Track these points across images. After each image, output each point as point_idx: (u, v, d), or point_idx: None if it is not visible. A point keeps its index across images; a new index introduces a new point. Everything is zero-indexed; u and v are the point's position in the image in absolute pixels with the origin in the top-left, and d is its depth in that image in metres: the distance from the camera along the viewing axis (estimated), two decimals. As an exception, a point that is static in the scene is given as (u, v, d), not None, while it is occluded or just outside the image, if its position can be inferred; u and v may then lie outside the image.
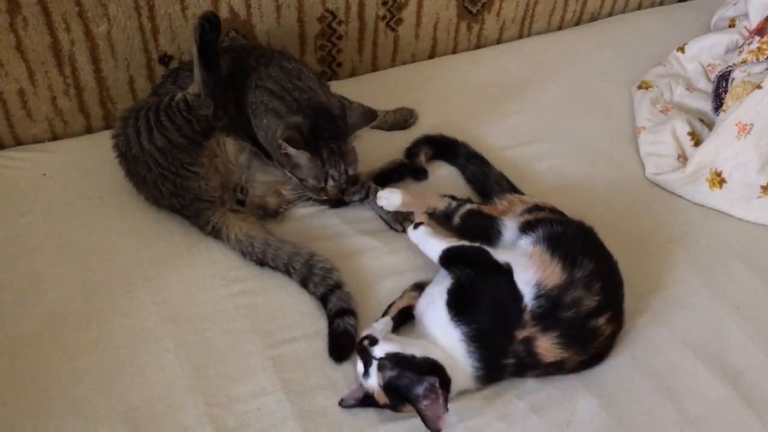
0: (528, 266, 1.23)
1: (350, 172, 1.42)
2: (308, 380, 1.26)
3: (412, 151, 1.65)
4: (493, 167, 1.60)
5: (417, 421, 1.19)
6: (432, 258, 1.32)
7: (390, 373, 1.15)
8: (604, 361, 1.28)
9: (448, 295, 1.24)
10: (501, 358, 1.20)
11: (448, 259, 1.30)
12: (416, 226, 1.37)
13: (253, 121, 1.46)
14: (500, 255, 1.27)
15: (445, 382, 1.16)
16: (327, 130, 1.38)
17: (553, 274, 1.22)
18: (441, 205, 1.47)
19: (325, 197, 1.45)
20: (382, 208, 1.51)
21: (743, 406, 1.26)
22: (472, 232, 1.40)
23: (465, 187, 1.63)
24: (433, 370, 1.15)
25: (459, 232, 1.43)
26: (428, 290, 1.30)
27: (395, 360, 1.16)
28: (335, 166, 1.40)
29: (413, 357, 1.17)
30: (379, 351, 1.18)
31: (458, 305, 1.22)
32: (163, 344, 1.29)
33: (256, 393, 1.24)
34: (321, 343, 1.30)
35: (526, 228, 1.32)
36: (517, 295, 1.21)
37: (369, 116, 1.43)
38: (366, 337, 1.20)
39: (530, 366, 1.22)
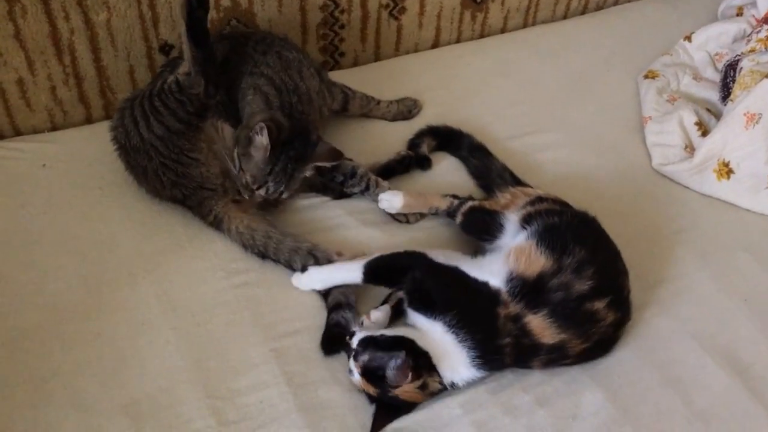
0: (500, 263, 1.23)
1: (283, 195, 1.41)
2: (310, 373, 1.25)
3: (414, 143, 1.64)
4: (495, 160, 1.58)
5: (419, 415, 1.18)
6: (351, 281, 1.30)
7: (363, 358, 1.16)
8: (610, 352, 1.27)
9: (407, 300, 1.24)
10: (495, 339, 1.19)
11: (374, 273, 1.28)
12: (303, 269, 1.34)
13: (240, 103, 1.44)
14: (446, 261, 1.27)
15: (416, 356, 1.15)
16: (296, 150, 1.37)
17: (534, 264, 1.22)
18: (443, 204, 1.46)
19: (241, 190, 1.41)
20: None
21: (751, 398, 1.25)
22: (475, 229, 1.39)
23: (469, 178, 1.61)
24: (400, 344, 1.16)
25: (462, 229, 1.42)
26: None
27: (366, 343, 1.17)
28: (276, 182, 1.38)
29: (382, 336, 1.18)
30: (355, 341, 1.19)
31: (423, 304, 1.22)
32: (164, 336, 1.28)
33: (258, 386, 1.23)
34: (323, 336, 1.29)
35: (525, 221, 1.31)
36: (478, 281, 1.22)
37: (333, 156, 1.41)
38: (350, 335, 1.21)
39: (531, 349, 1.20)
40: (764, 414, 1.23)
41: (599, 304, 1.21)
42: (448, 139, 1.65)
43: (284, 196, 1.41)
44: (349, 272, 1.30)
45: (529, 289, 1.20)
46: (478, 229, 1.38)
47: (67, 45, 1.56)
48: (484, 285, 1.22)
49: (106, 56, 1.61)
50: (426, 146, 1.63)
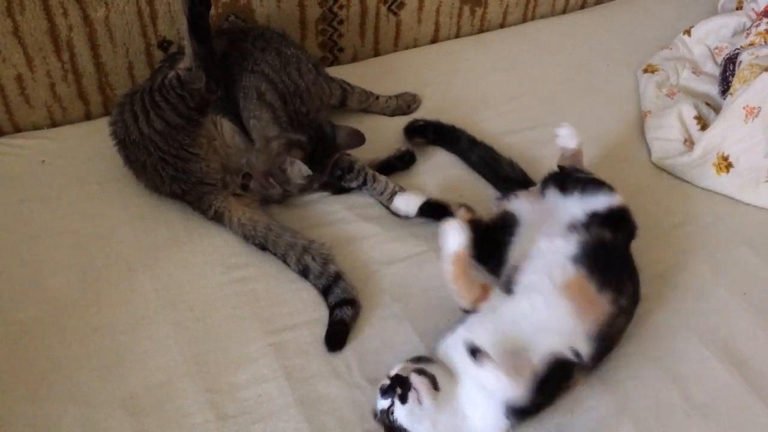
0: (564, 313, 1.13)
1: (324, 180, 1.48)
2: (309, 367, 1.25)
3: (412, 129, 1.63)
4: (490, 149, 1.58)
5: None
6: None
7: None
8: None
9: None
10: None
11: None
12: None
13: (242, 103, 1.45)
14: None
15: None
16: (320, 152, 1.42)
17: (597, 308, 1.16)
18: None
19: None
20: (381, 194, 1.50)
21: (750, 392, 1.24)
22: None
23: (468, 172, 1.60)
24: None
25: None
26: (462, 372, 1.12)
27: None
28: (318, 181, 1.44)
29: None
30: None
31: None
32: (164, 331, 1.28)
33: (257, 380, 1.23)
34: (322, 330, 1.29)
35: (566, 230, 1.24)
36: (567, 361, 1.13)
37: (357, 140, 1.44)
38: (399, 383, 1.08)
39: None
40: (763, 407, 1.22)
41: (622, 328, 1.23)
42: (444, 135, 1.64)
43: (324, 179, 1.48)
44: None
45: (599, 350, 1.15)
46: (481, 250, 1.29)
47: (65, 41, 1.56)
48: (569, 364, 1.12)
49: (105, 53, 1.61)
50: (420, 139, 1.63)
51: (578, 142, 1.39)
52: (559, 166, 1.41)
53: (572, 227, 1.24)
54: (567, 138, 1.40)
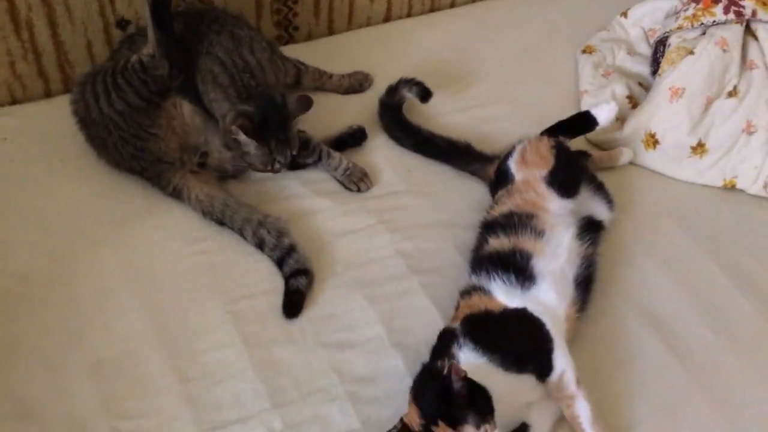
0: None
1: (294, 154, 1.49)
2: (265, 333, 1.32)
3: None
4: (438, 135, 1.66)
5: (370, 365, 1.27)
6: None
7: None
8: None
9: None
10: None
11: None
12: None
13: (200, 86, 1.50)
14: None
15: None
16: (273, 121, 1.45)
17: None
18: None
19: (271, 173, 1.51)
20: (336, 169, 1.57)
21: (667, 351, 1.34)
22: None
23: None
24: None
25: None
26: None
27: None
28: (281, 153, 1.47)
29: None
30: None
31: None
32: (127, 302, 1.34)
33: (217, 346, 1.30)
34: (277, 299, 1.37)
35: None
36: None
37: (306, 103, 1.48)
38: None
39: None
40: (678, 364, 1.32)
41: None
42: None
43: (295, 153, 1.49)
44: None
45: None
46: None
47: (25, 20, 1.59)
48: None
49: (64, 32, 1.64)
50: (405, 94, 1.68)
51: (608, 120, 1.57)
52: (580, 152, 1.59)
53: (577, 231, 1.38)
54: (605, 111, 1.55)
